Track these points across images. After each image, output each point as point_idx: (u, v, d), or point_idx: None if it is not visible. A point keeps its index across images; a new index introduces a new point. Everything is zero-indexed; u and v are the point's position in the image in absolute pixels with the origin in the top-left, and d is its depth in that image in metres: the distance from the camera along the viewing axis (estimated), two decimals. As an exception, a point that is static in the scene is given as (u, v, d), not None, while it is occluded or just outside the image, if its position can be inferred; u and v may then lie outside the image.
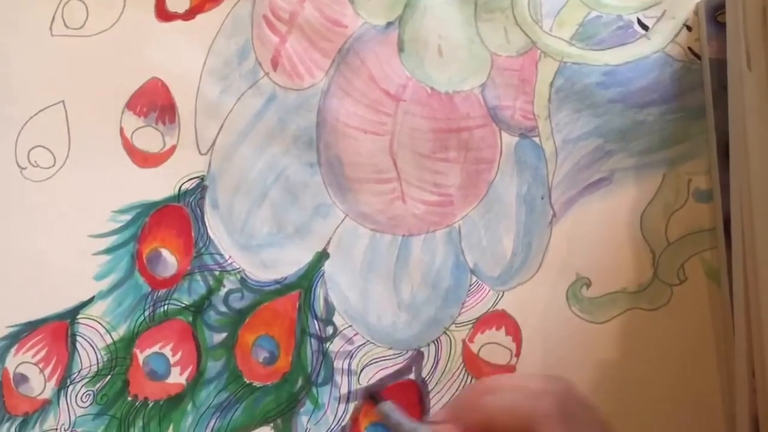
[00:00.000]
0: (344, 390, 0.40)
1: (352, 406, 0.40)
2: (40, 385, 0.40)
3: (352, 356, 0.40)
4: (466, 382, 0.40)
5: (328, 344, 0.40)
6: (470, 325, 0.40)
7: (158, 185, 0.40)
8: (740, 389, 0.36)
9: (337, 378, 0.40)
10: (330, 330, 0.40)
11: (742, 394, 0.36)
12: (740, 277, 0.37)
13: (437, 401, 0.40)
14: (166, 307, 0.40)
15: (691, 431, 0.38)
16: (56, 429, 0.40)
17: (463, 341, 0.40)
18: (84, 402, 0.40)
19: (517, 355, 0.40)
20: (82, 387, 0.40)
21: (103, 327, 0.40)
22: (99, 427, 0.40)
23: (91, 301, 0.40)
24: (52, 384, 0.40)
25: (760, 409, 0.35)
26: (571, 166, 0.40)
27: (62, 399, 0.40)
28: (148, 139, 0.41)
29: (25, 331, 0.40)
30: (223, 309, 0.40)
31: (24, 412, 0.40)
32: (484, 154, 0.40)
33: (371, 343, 0.40)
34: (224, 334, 0.40)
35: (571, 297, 0.40)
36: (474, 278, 0.40)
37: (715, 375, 0.38)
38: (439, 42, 0.40)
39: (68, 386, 0.40)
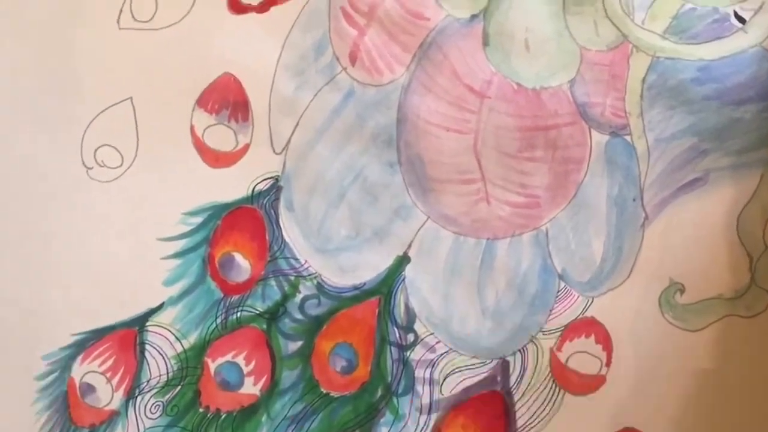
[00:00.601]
0: (426, 400, 0.38)
1: (434, 416, 0.38)
2: (107, 395, 0.38)
3: (434, 365, 0.38)
4: (554, 393, 0.38)
5: (408, 352, 0.38)
6: (558, 333, 0.38)
7: (230, 186, 0.39)
8: None
9: (419, 387, 0.38)
10: (411, 337, 0.38)
11: None
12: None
13: (523, 413, 0.38)
14: (239, 314, 0.38)
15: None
16: (124, 442, 0.38)
17: (551, 350, 0.38)
18: (153, 413, 0.38)
19: (608, 364, 0.38)
20: (151, 398, 0.38)
21: (173, 335, 0.38)
22: (169, 440, 0.38)
23: (160, 307, 0.38)
24: (120, 394, 0.38)
25: None
26: (664, 166, 0.38)
27: (130, 410, 0.38)
28: (220, 138, 0.39)
29: (91, 339, 0.38)
30: (298, 316, 0.38)
31: (90, 424, 0.38)
32: (572, 154, 0.38)
33: (454, 351, 0.38)
34: (300, 343, 0.38)
35: (664, 303, 0.38)
36: (562, 284, 0.38)
37: (818, 385, 0.37)
38: (526, 35, 0.38)
39: (137, 396, 0.38)
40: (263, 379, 0.38)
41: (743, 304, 0.38)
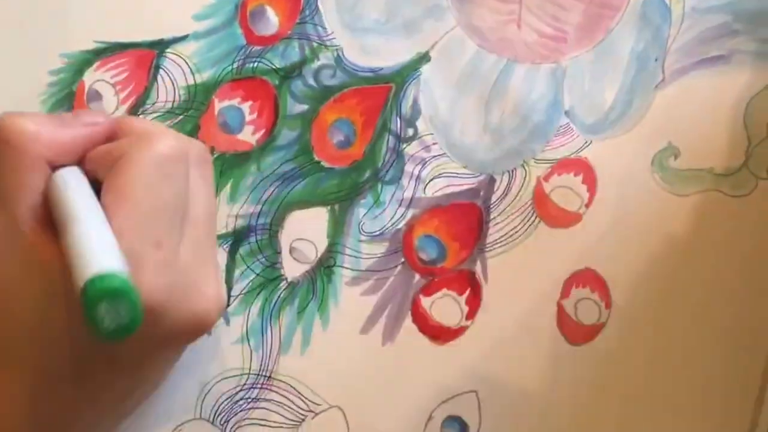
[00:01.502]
0: (408, 194, 0.39)
1: (411, 212, 0.39)
2: (112, 106, 0.39)
3: (424, 164, 0.40)
4: (530, 219, 0.39)
5: (405, 145, 0.40)
6: (549, 165, 0.39)
7: (280, -58, 0.40)
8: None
9: (404, 181, 0.39)
10: (411, 132, 0.40)
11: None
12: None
13: (496, 231, 0.39)
14: (256, 64, 0.39)
15: (743, 319, 0.38)
16: (116, 153, 0.39)
17: (538, 178, 0.39)
18: (150, 134, 0.39)
19: (588, 205, 0.39)
20: (152, 119, 0.39)
21: (189, 67, 0.39)
22: (159, 163, 0.39)
23: (184, 38, 0.39)
24: (124, 108, 0.39)
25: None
26: (693, 35, 0.39)
27: (130, 126, 0.39)
28: None
29: (111, 51, 0.39)
30: (311, 82, 0.40)
31: (88, 128, 0.39)
32: (611, 0, 0.39)
33: (447, 156, 0.40)
34: (305, 107, 0.39)
35: (657, 163, 0.39)
36: (566, 120, 0.39)
37: (779, 273, 0.38)
38: None
39: (139, 115, 0.39)
40: (262, 132, 0.39)
41: (730, 182, 0.39)
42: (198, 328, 0.33)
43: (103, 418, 0.34)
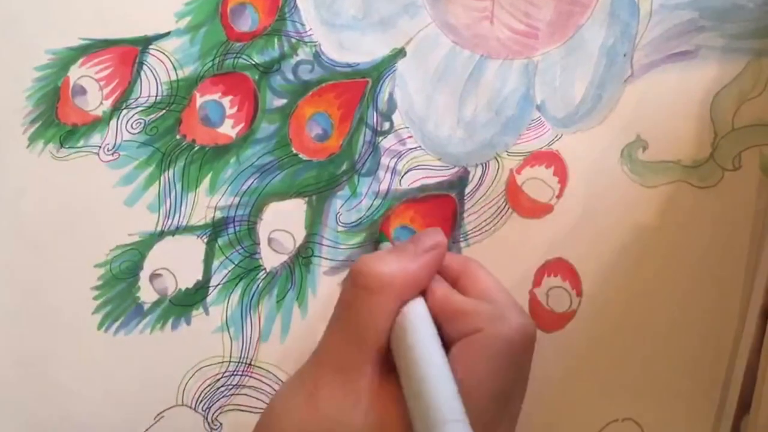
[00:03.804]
0: (384, 186, 0.41)
1: (387, 203, 0.41)
2: (96, 101, 0.41)
3: (400, 156, 0.41)
4: (503, 210, 0.40)
5: (381, 138, 0.41)
6: (522, 157, 0.40)
7: (260, -59, 0.41)
8: (763, 264, 0.37)
9: (381, 173, 0.41)
10: (387, 125, 0.41)
11: (764, 267, 0.36)
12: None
13: (470, 221, 0.40)
14: (236, 59, 0.41)
15: (710, 305, 0.39)
16: (100, 146, 0.40)
17: (511, 170, 0.40)
18: (134, 129, 0.41)
19: (559, 196, 0.40)
20: (135, 114, 0.41)
21: (171, 63, 0.41)
22: (142, 156, 0.40)
23: (167, 35, 0.41)
24: (107, 103, 0.41)
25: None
26: (661, 31, 0.40)
27: (113, 120, 0.41)
28: None
29: (96, 47, 0.41)
30: (290, 77, 0.41)
31: (73, 123, 0.41)
32: (580, -3, 0.40)
33: (422, 149, 0.41)
34: (284, 101, 0.41)
35: (626, 156, 0.40)
36: (537, 114, 0.41)
37: (743, 262, 0.39)
38: None
39: (122, 109, 0.41)
40: (242, 125, 0.41)
41: (697, 174, 0.40)
42: None
43: None
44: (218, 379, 0.40)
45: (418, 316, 0.34)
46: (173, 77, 0.41)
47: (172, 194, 0.40)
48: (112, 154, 0.40)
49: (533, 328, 0.35)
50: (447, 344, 0.34)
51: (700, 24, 0.40)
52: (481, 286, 0.36)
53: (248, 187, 0.40)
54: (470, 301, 0.35)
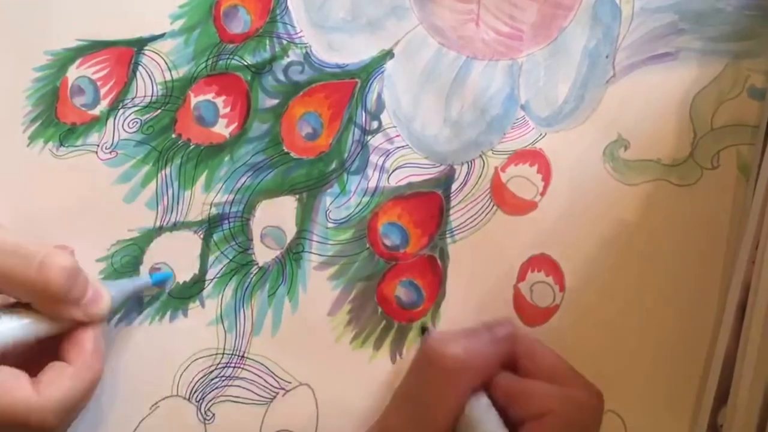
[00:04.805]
0: (372, 184, 0.42)
1: (375, 200, 0.42)
2: (93, 101, 0.42)
3: (388, 155, 0.42)
4: (488, 207, 0.41)
5: (369, 137, 0.42)
6: (506, 156, 0.42)
7: (252, -55, 0.42)
8: (741, 260, 0.38)
9: (369, 171, 0.42)
10: (375, 124, 0.42)
11: (741, 263, 0.38)
12: (766, 175, 0.38)
13: (456, 218, 0.42)
14: (229, 60, 0.42)
15: (688, 299, 0.40)
16: (98, 145, 0.42)
17: (496, 168, 0.42)
18: (130, 128, 0.42)
19: (543, 194, 0.41)
20: (131, 113, 0.42)
21: (166, 64, 0.42)
22: (139, 154, 0.42)
23: (161, 36, 0.42)
24: (105, 103, 0.42)
25: (754, 274, 0.37)
26: (642, 34, 0.41)
27: (111, 119, 0.42)
28: None
29: (93, 49, 0.42)
30: (281, 77, 0.42)
31: (72, 122, 0.42)
32: (564, 0, 0.42)
33: (409, 147, 0.42)
34: (276, 101, 0.42)
35: (608, 154, 0.41)
36: (522, 113, 0.42)
37: (721, 257, 0.40)
38: None
39: (119, 109, 0.42)
40: (235, 125, 0.42)
41: (677, 173, 0.41)
42: None
43: None
44: (212, 371, 0.41)
45: (484, 406, 0.34)
46: (168, 78, 0.42)
47: (170, 191, 0.42)
48: (110, 152, 0.42)
49: (600, 400, 0.36)
50: (512, 429, 0.34)
51: (680, 27, 0.41)
52: (544, 364, 0.36)
53: (242, 185, 0.41)
54: (536, 383, 0.35)
